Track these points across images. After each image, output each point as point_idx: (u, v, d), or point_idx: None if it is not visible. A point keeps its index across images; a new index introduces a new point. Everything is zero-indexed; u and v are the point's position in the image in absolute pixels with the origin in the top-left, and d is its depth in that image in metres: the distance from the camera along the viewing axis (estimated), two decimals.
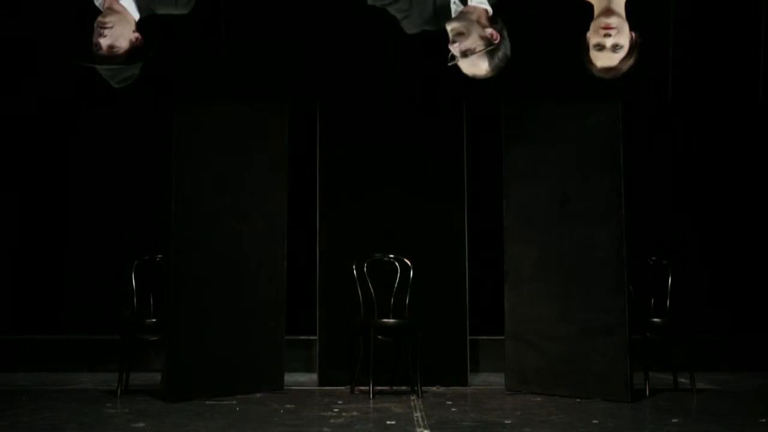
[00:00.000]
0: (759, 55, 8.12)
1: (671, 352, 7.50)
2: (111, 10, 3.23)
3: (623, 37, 3.19)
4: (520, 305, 7.37)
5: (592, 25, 3.23)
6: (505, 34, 3.22)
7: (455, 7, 3.24)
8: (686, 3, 8.23)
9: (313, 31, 8.00)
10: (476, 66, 3.20)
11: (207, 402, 6.68)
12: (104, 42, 3.18)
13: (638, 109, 7.87)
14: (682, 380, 7.40)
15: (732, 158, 8.84)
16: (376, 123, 7.93)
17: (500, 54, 3.20)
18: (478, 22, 3.18)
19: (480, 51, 3.16)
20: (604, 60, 3.23)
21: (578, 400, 6.87)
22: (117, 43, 3.20)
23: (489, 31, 3.17)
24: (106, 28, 3.18)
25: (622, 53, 3.21)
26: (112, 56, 3.20)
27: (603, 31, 3.18)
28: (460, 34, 3.17)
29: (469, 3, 3.22)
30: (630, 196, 7.14)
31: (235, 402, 6.72)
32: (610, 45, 3.19)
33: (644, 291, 7.53)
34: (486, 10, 3.21)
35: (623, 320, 6.89)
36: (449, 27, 3.19)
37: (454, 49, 3.18)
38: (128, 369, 7.13)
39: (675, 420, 6.03)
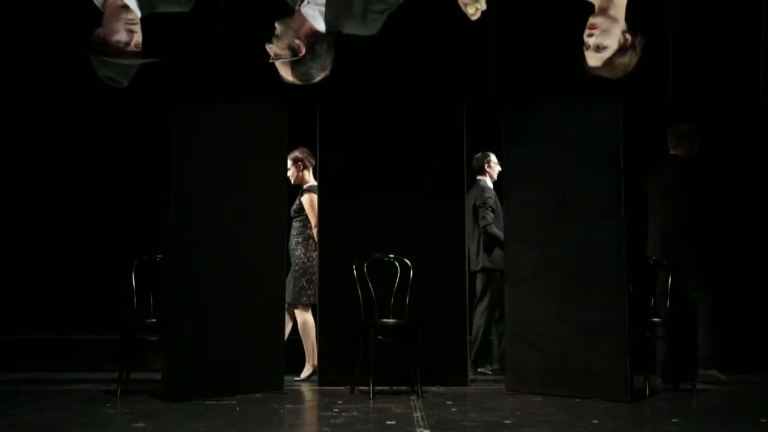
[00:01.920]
0: (759, 55, 8.13)
1: (671, 352, 7.50)
2: (123, 8, 3.23)
3: (608, 38, 3.21)
4: (520, 305, 7.37)
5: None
6: (320, 49, 3.23)
7: (295, 6, 3.26)
8: (686, 3, 8.23)
9: None
10: (282, 70, 3.27)
11: (207, 402, 6.68)
12: (135, 38, 3.20)
13: (638, 109, 7.87)
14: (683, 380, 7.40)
15: (732, 158, 8.84)
16: (376, 123, 7.93)
17: (305, 68, 3.23)
18: (296, 30, 3.21)
19: (284, 59, 3.19)
20: (589, 59, 3.27)
21: (578, 400, 6.86)
22: (140, 40, 3.22)
23: (297, 42, 3.19)
24: (135, 24, 3.20)
25: (606, 54, 3.23)
26: (137, 53, 3.22)
27: (587, 31, 3.22)
28: (276, 37, 3.22)
29: (300, 8, 3.24)
30: (630, 196, 7.14)
31: (235, 402, 6.72)
32: (593, 45, 3.22)
33: (644, 291, 7.53)
34: (311, 25, 3.23)
35: (623, 320, 6.89)
36: (276, 25, 3.24)
37: (268, 48, 3.23)
38: (128, 369, 7.13)
39: (675, 420, 6.03)
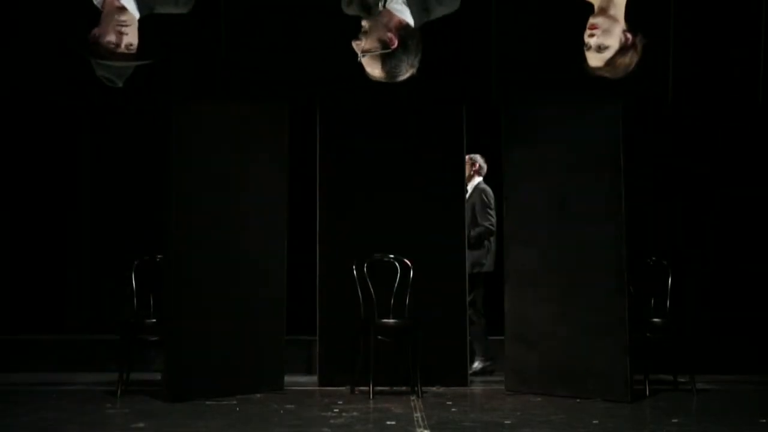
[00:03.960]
0: (759, 55, 8.12)
1: (671, 352, 7.51)
2: (119, 9, 3.23)
3: (610, 38, 3.21)
4: (520, 305, 7.37)
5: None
6: (412, 44, 3.22)
7: (377, 7, 3.26)
8: (686, 3, 8.23)
9: (313, 31, 8.00)
10: (371, 66, 3.24)
11: (207, 402, 6.68)
12: (125, 40, 3.19)
13: (638, 109, 7.87)
14: (682, 380, 7.40)
15: (732, 158, 8.84)
16: (376, 123, 7.92)
17: (399, 63, 3.21)
18: (385, 24, 3.20)
19: (374, 53, 3.18)
20: (591, 60, 3.26)
21: (578, 400, 6.87)
22: (133, 41, 3.21)
23: (389, 35, 3.18)
24: (126, 26, 3.19)
25: (608, 54, 3.22)
26: (129, 54, 3.21)
27: (588, 31, 3.21)
28: (364, 33, 3.21)
29: (388, 5, 3.24)
30: (630, 196, 7.14)
31: (235, 402, 6.72)
32: (595, 45, 3.21)
33: (644, 291, 7.53)
34: (401, 20, 3.22)
35: (623, 320, 6.90)
36: (362, 23, 3.23)
37: (355, 46, 3.21)
38: (128, 369, 7.13)
39: (675, 420, 6.03)
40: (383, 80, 3.26)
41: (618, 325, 6.90)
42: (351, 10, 3.30)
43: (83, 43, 3.18)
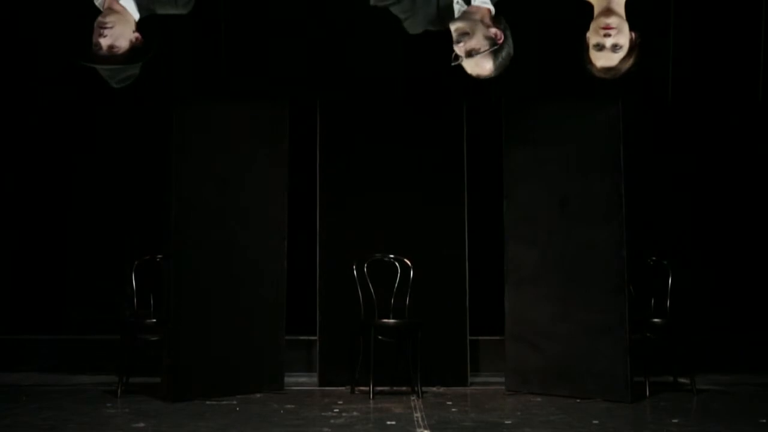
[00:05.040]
0: (759, 54, 8.12)
1: (671, 352, 7.50)
2: (111, 10, 3.23)
3: (623, 36, 3.20)
4: (520, 305, 7.37)
5: (592, 25, 3.24)
6: (509, 33, 3.22)
7: (458, 7, 3.24)
8: (686, 2, 8.23)
9: (313, 31, 7.99)
10: (480, 66, 3.21)
11: (207, 402, 6.68)
12: (104, 42, 3.18)
13: (638, 109, 7.87)
14: (683, 380, 7.40)
15: (732, 158, 8.84)
16: (376, 123, 7.93)
17: (504, 54, 3.21)
18: (482, 21, 3.19)
19: (485, 51, 3.16)
20: (604, 60, 3.24)
21: (578, 400, 6.87)
22: (117, 43, 3.20)
23: (493, 30, 3.18)
24: (106, 28, 3.18)
25: (621, 53, 3.22)
26: (112, 56, 3.20)
27: (603, 31, 3.19)
28: (464, 34, 3.18)
29: (473, 3, 3.22)
30: (630, 196, 7.14)
31: (235, 402, 6.73)
32: (610, 45, 3.20)
33: (644, 291, 7.53)
34: (489, 10, 3.22)
35: (623, 320, 6.90)
36: (453, 27, 3.19)
37: (459, 49, 3.18)
38: (128, 369, 7.13)
39: (675, 420, 6.03)
40: (489, 77, 3.24)
41: (618, 325, 6.90)
42: (424, 26, 3.26)
43: (77, 45, 3.19)
